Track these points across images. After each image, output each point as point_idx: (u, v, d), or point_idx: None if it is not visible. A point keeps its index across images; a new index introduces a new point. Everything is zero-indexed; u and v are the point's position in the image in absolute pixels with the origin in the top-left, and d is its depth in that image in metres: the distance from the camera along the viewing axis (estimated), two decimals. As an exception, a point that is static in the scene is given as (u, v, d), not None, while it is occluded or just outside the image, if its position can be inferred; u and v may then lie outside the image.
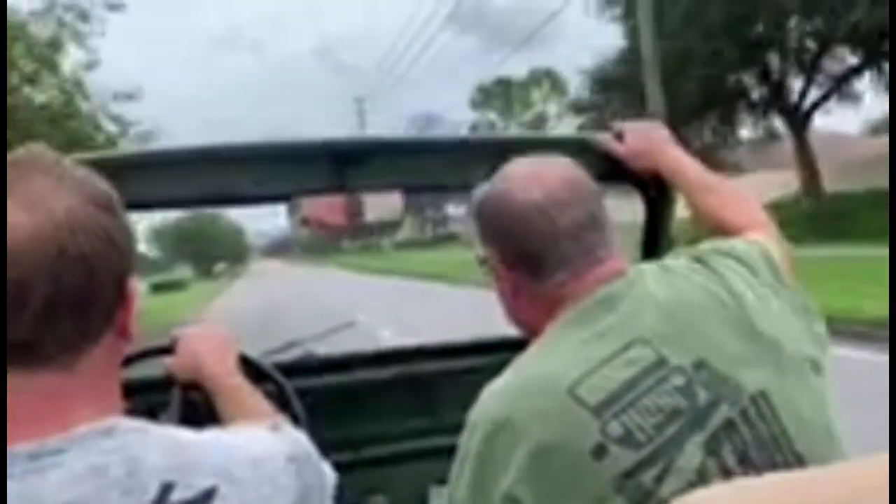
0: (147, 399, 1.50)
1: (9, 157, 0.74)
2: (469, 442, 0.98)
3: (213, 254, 69.43)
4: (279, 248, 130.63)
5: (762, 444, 0.92)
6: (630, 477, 0.88)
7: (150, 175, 1.43)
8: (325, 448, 1.12)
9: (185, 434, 0.76)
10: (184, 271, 64.18)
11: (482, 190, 1.13)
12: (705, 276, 1.07)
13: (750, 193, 1.38)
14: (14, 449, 0.67)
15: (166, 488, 0.68)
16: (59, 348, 0.70)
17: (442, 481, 1.81)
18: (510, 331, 1.95)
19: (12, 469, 0.66)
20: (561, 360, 0.97)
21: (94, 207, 0.72)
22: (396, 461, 1.82)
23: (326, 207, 1.58)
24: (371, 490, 1.79)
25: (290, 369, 1.58)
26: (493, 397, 0.99)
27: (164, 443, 0.72)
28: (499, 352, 1.84)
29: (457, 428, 1.78)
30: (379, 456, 1.81)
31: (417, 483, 1.81)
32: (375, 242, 75.05)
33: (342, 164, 1.54)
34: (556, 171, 1.10)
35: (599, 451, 0.89)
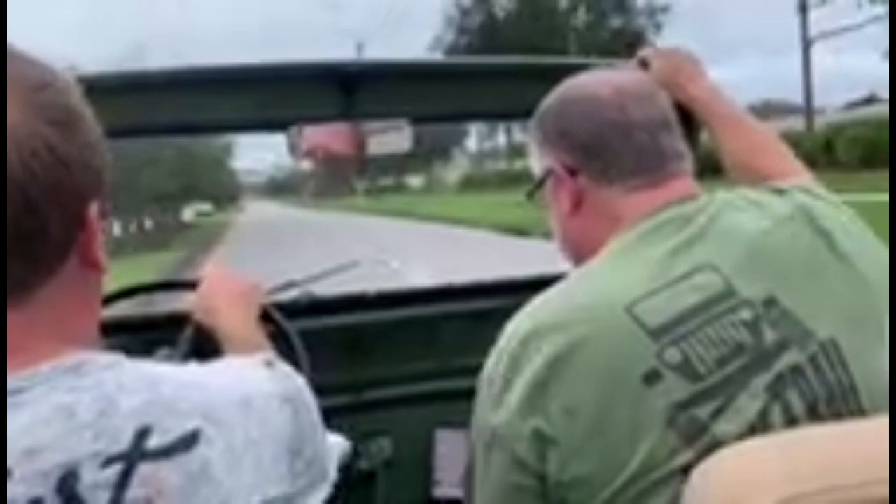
0: (146, 336, 1.48)
1: None
2: (505, 348, 0.93)
3: (199, 187, 42.47)
4: (276, 188, 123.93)
5: (830, 393, 0.88)
6: (683, 409, 0.84)
7: (140, 98, 1.37)
8: (328, 390, 1.11)
9: (166, 370, 0.70)
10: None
11: (547, 98, 1.09)
12: (788, 211, 1.01)
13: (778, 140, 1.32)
14: None
15: (143, 433, 0.62)
16: (8, 285, 0.63)
17: (447, 424, 1.83)
18: (524, 273, 1.94)
19: None
20: (621, 276, 0.92)
21: (39, 121, 0.63)
22: (401, 404, 1.82)
23: (331, 135, 1.53)
24: (375, 433, 1.79)
25: (292, 309, 1.55)
26: (543, 306, 0.94)
27: (141, 381, 0.65)
28: (510, 294, 1.81)
29: (463, 371, 1.77)
30: (383, 399, 1.81)
31: (422, 426, 1.81)
32: (397, 181, 66.68)
33: (349, 90, 1.48)
34: (630, 74, 1.09)
35: (652, 377, 0.85)
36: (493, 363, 0.94)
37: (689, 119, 1.43)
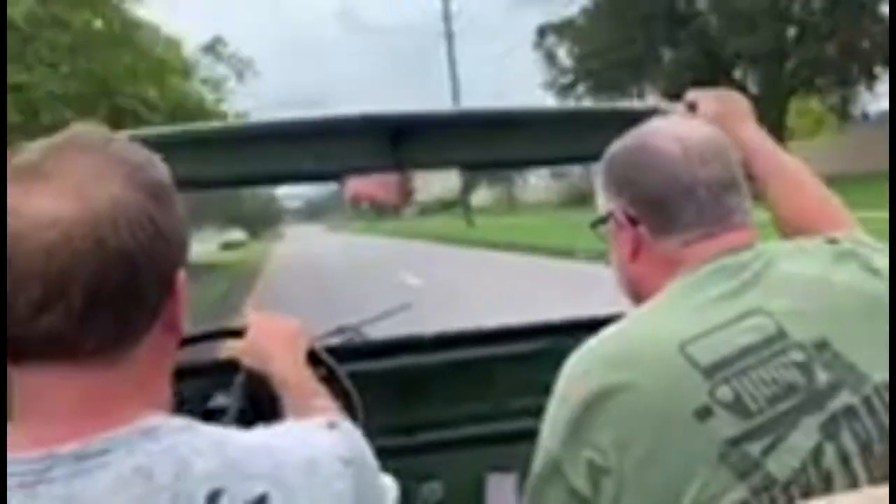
0: (199, 382, 1.52)
1: (57, 136, 0.72)
2: (563, 387, 0.97)
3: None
4: (317, 211, 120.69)
5: (885, 435, 0.89)
6: (735, 445, 0.86)
7: (200, 153, 1.44)
8: (379, 432, 1.13)
9: (235, 435, 0.74)
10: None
11: (615, 143, 1.14)
12: (843, 258, 1.04)
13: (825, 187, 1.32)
14: (57, 450, 0.66)
15: (214, 495, 0.66)
16: (100, 344, 0.69)
17: (499, 468, 1.82)
18: (576, 313, 1.94)
19: (55, 472, 0.65)
20: (675, 319, 0.95)
21: (142, 195, 0.70)
22: (453, 447, 1.83)
23: (377, 184, 1.57)
24: (426, 476, 1.79)
25: (344, 353, 1.58)
26: (598, 346, 0.98)
27: (213, 444, 0.70)
28: (562, 334, 1.82)
29: (515, 413, 1.78)
30: (435, 441, 1.82)
31: (474, 470, 1.81)
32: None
33: (399, 140, 1.53)
34: (699, 129, 1.12)
35: (704, 413, 0.87)
36: (554, 402, 0.97)
37: None
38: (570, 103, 28.56)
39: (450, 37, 36.16)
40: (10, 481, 0.64)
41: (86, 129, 0.74)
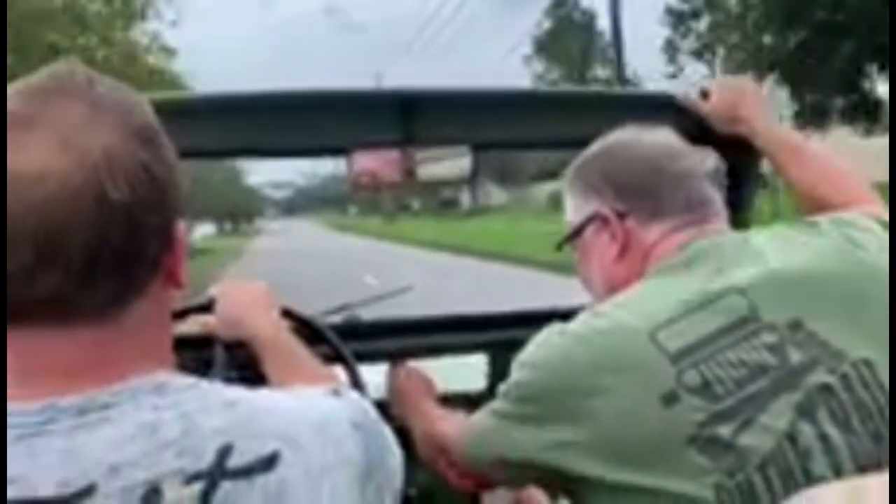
0: (187, 357, 1.52)
1: (34, 79, 0.68)
2: (527, 380, 1.01)
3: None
4: (305, 204, 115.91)
5: (865, 411, 0.91)
6: (703, 427, 0.89)
7: (196, 122, 1.42)
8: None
9: (242, 392, 0.73)
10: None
11: (583, 153, 1.18)
12: (822, 241, 1.07)
13: (852, 169, 1.35)
14: (59, 402, 0.64)
15: (224, 451, 0.65)
16: (101, 304, 0.66)
17: None
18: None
19: (55, 425, 0.63)
20: (647, 305, 0.99)
21: (136, 143, 0.67)
22: None
23: (380, 162, 1.57)
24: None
25: (341, 333, 1.59)
26: (566, 338, 1.01)
27: (222, 403, 0.69)
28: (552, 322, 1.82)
29: None
30: None
31: None
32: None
33: (409, 115, 1.53)
34: (667, 133, 1.17)
35: (670, 399, 0.91)
36: (519, 378, 1.02)
37: (749, 151, 1.45)
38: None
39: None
40: (7, 434, 0.62)
41: (68, 70, 0.70)
